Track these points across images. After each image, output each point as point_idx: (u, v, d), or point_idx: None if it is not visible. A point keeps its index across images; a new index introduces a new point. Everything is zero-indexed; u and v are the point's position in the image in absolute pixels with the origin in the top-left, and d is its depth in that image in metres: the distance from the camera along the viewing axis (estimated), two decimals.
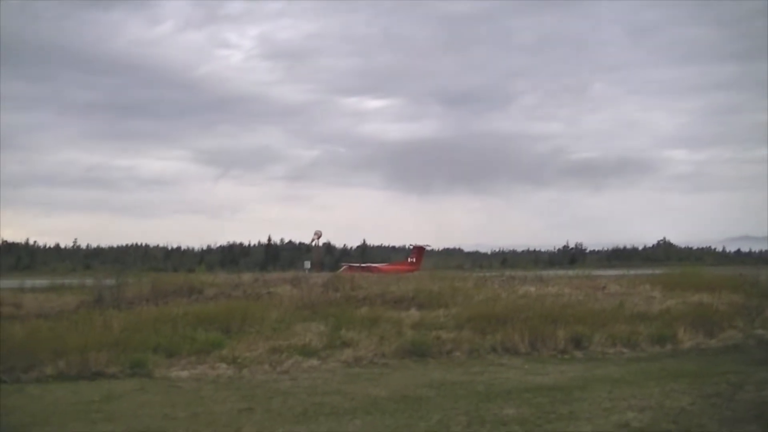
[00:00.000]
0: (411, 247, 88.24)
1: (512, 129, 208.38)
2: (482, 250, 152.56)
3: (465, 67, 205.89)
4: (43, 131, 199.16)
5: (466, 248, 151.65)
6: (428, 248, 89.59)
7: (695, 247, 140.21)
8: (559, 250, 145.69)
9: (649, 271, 44.96)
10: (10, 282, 48.02)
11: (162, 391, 14.51)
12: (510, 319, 21.11)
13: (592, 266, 57.92)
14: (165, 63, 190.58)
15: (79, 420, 11.77)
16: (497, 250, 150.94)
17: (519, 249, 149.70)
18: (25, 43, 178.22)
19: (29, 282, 47.74)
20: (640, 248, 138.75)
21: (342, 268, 68.12)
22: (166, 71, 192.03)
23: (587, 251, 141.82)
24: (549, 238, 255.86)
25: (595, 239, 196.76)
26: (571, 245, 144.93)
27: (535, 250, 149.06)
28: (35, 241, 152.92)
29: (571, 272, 44.97)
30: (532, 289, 31.64)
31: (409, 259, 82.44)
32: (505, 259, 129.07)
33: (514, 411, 11.98)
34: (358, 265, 74.51)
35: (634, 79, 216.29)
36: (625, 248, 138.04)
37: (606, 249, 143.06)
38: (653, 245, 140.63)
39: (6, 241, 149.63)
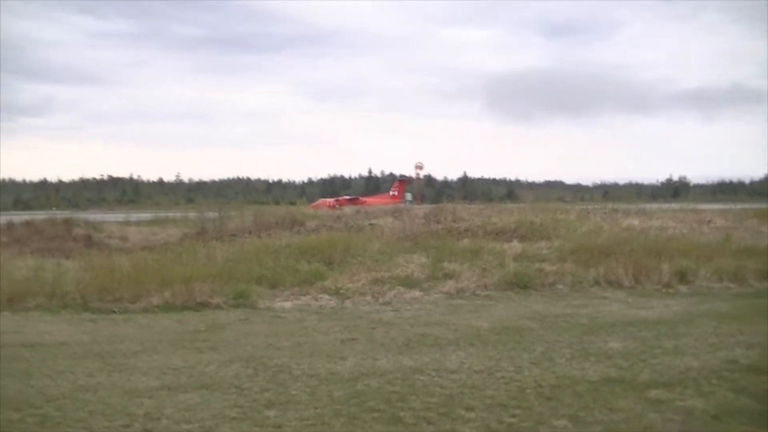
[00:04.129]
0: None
1: (615, 58, 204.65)
2: (584, 182, 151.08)
3: None
4: (146, 67, 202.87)
5: (568, 181, 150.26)
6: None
7: None
8: (662, 183, 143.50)
9: (756, 206, 43.84)
10: (116, 215, 49.21)
11: (265, 321, 14.77)
12: (613, 251, 20.83)
13: (697, 200, 56.65)
14: None
15: (185, 348, 12.05)
16: (599, 182, 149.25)
17: (621, 182, 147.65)
18: None
19: (134, 215, 48.96)
20: (747, 182, 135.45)
21: (334, 200, 74.74)
22: (267, 5, 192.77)
23: (691, 184, 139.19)
24: (652, 171, 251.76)
25: (700, 172, 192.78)
26: (675, 178, 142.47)
27: (637, 183, 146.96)
28: (139, 175, 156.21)
29: (674, 205, 44.12)
30: (636, 221, 31.19)
31: (390, 192, 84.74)
32: (607, 191, 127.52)
33: (618, 344, 11.88)
34: (346, 198, 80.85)
35: (743, 4, 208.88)
36: (731, 182, 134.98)
37: (711, 182, 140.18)
38: (761, 179, 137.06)
39: (111, 176, 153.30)
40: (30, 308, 16.09)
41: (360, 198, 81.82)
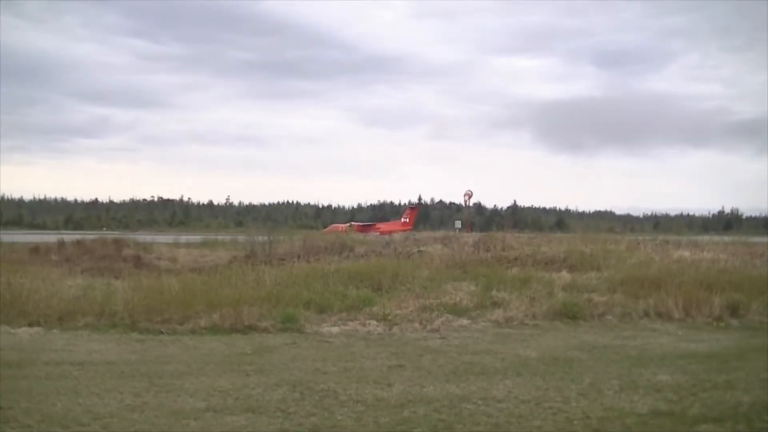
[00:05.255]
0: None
1: (668, 89, 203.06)
2: (634, 213, 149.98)
3: (619, 25, 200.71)
4: (199, 91, 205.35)
5: (618, 211, 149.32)
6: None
7: None
8: (714, 214, 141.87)
9: None
10: (165, 237, 49.71)
11: (313, 345, 14.77)
12: (663, 283, 20.58)
13: (749, 232, 55.83)
14: (319, 22, 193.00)
15: (232, 371, 12.09)
16: (649, 213, 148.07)
17: (672, 213, 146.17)
18: (183, 5, 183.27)
19: (184, 237, 49.43)
20: None
21: (347, 226, 75.88)
22: (320, 31, 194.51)
23: (744, 217, 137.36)
24: (704, 202, 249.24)
25: (753, 204, 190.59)
26: (727, 210, 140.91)
27: (688, 214, 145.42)
28: (189, 198, 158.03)
29: (726, 238, 43.62)
30: (687, 253, 30.84)
31: (402, 219, 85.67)
32: (658, 222, 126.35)
33: (667, 377, 11.73)
34: (362, 224, 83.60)
35: None
36: None
37: (764, 215, 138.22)
38: None
39: (162, 197, 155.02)
40: (79, 327, 16.25)
41: (374, 224, 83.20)
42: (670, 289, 19.77)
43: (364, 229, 75.34)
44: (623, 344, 15.14)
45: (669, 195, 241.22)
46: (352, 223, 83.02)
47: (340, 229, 70.92)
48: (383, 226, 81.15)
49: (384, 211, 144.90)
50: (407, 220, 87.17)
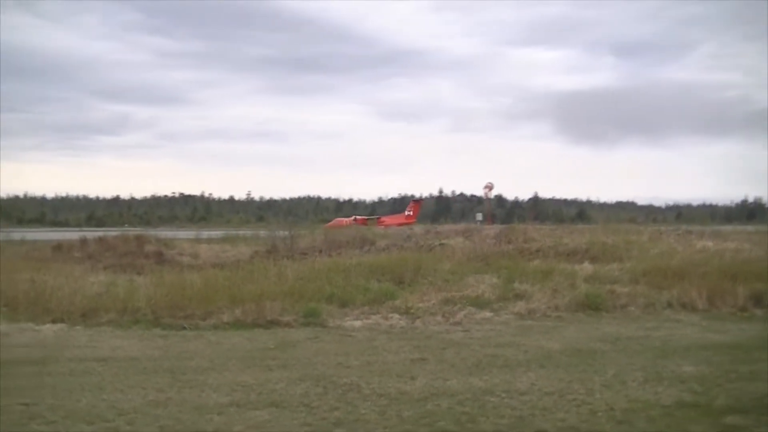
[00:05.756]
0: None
1: (688, 78, 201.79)
2: (656, 203, 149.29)
3: (638, 15, 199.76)
4: (218, 87, 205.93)
5: (640, 201, 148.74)
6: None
7: None
8: (736, 204, 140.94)
9: None
10: (187, 233, 49.80)
11: (335, 340, 14.81)
12: (687, 274, 20.52)
13: None
14: (337, 17, 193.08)
15: (255, 366, 12.14)
16: (671, 203, 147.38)
17: (694, 203, 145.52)
18: (200, 2, 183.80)
19: (205, 233, 49.50)
20: None
21: (350, 220, 76.76)
22: (338, 25, 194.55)
23: (767, 206, 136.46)
24: (726, 192, 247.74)
25: None
26: (750, 199, 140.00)
27: (711, 204, 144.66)
28: (210, 194, 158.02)
29: (750, 227, 43.28)
30: (710, 243, 30.59)
31: (406, 212, 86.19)
32: (680, 212, 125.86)
33: (692, 368, 11.67)
34: (364, 217, 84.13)
35: None
36: None
37: None
38: None
39: (182, 193, 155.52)
40: (102, 323, 16.36)
41: (377, 218, 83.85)
42: (694, 280, 19.70)
43: (367, 222, 75.62)
44: (647, 335, 15.09)
45: (691, 185, 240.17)
46: (356, 217, 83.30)
47: (343, 223, 71.44)
48: (387, 219, 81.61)
49: (405, 205, 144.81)
50: (410, 213, 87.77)
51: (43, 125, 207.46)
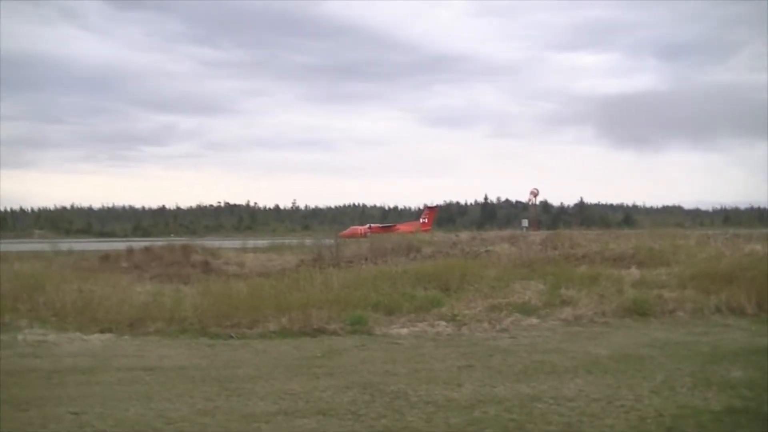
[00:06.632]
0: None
1: (733, 79, 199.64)
2: (703, 207, 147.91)
3: (680, 17, 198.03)
4: (262, 96, 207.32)
5: (686, 205, 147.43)
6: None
7: None
8: None
9: None
10: (232, 242, 50.13)
11: (382, 347, 14.80)
12: (735, 278, 20.26)
13: None
14: (379, 24, 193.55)
15: (302, 374, 12.16)
16: (719, 207, 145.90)
17: (742, 206, 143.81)
18: (243, 11, 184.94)
19: (251, 242, 49.78)
20: None
21: (365, 227, 78.24)
22: (381, 32, 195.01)
23: None
24: None
25: None
26: None
27: (759, 207, 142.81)
28: (256, 203, 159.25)
29: None
30: (758, 247, 30.27)
31: (421, 220, 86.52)
32: (728, 216, 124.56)
33: (741, 374, 11.55)
34: (378, 225, 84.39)
35: None
36: None
37: None
38: None
39: (228, 203, 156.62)
40: (150, 333, 16.47)
41: (393, 225, 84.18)
42: (743, 284, 19.47)
43: (382, 230, 76.16)
44: (695, 340, 14.95)
45: (738, 188, 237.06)
46: (370, 225, 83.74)
47: (358, 232, 71.99)
48: (402, 227, 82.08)
49: (450, 212, 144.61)
50: (426, 220, 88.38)
51: (91, 136, 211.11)
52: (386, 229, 79.53)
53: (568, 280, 21.33)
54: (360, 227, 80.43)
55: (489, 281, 21.71)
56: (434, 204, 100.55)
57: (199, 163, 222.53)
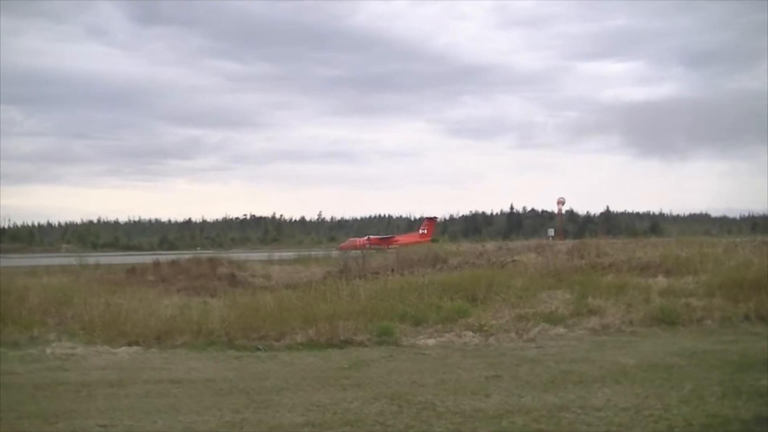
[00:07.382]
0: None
1: (759, 87, 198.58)
2: (730, 214, 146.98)
3: (705, 25, 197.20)
4: (288, 109, 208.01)
5: (714, 213, 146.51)
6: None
7: None
8: None
9: None
10: (259, 254, 50.28)
11: (409, 358, 14.79)
12: (764, 286, 20.11)
13: None
14: (404, 36, 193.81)
15: (329, 385, 12.15)
16: (746, 214, 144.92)
17: None
18: (267, 25, 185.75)
19: (277, 254, 49.93)
20: None
21: (364, 239, 78.62)
22: (405, 44, 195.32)
23: None
24: None
25: None
26: None
27: None
28: (281, 215, 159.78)
29: None
30: None
31: (420, 231, 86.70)
32: (756, 223, 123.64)
33: None
34: (378, 237, 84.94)
35: None
36: None
37: None
38: None
39: (254, 215, 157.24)
40: (177, 345, 16.51)
41: (392, 237, 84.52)
42: None
43: (381, 242, 76.48)
44: (724, 349, 14.85)
45: (765, 195, 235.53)
46: (369, 237, 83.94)
47: (357, 243, 72.17)
48: (401, 239, 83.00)
49: (476, 222, 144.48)
50: (425, 231, 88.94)
51: (117, 151, 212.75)
52: (385, 240, 79.82)
53: (595, 289, 21.25)
54: (359, 239, 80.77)
55: (516, 291, 21.66)
56: (431, 217, 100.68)
57: (224, 176, 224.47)
